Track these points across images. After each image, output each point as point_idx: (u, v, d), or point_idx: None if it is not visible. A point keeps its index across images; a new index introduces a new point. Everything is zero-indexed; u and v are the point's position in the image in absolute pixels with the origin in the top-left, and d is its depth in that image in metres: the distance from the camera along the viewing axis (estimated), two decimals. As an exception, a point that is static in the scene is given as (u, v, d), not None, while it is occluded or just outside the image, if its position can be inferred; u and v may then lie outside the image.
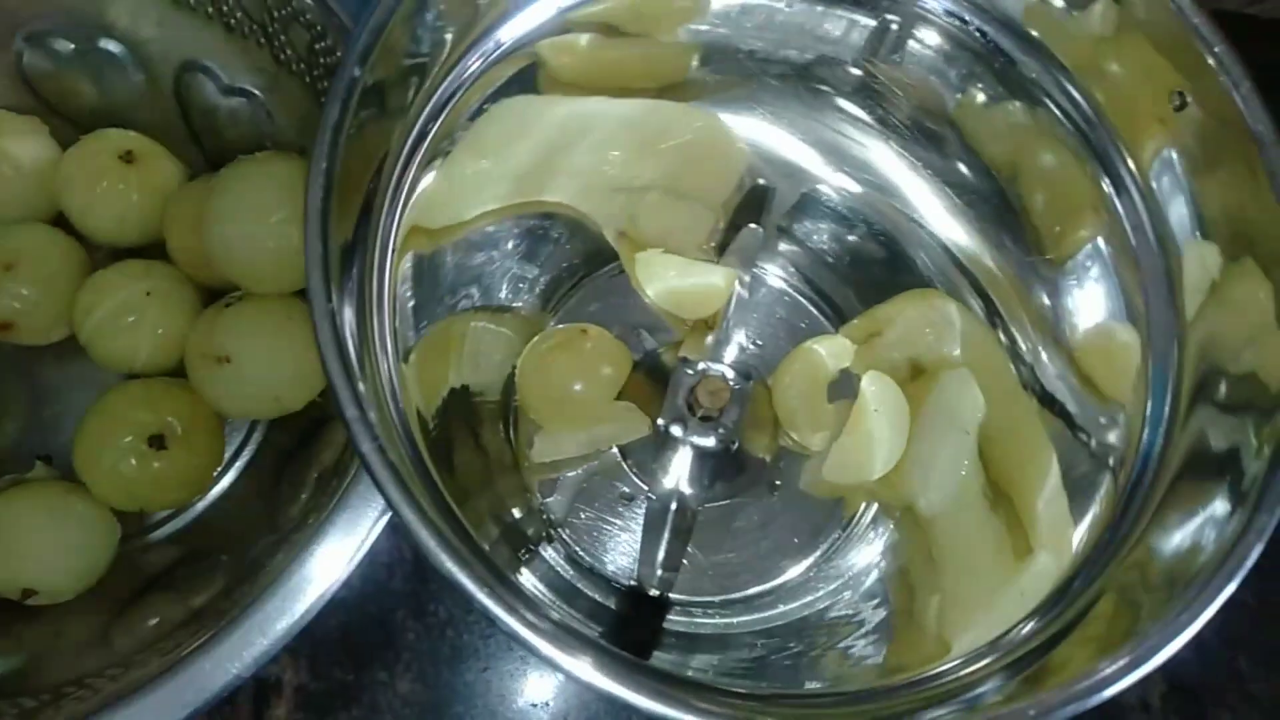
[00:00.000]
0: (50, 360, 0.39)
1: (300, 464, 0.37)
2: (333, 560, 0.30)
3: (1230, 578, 0.23)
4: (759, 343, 0.40)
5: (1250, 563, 0.23)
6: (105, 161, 0.37)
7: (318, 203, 0.21)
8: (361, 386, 0.21)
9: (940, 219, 0.36)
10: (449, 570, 0.20)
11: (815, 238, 0.40)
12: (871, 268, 0.39)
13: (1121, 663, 0.22)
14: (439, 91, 0.28)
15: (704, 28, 0.33)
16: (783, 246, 0.40)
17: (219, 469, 0.38)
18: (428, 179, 0.29)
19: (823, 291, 0.40)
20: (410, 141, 0.27)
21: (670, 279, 0.38)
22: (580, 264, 0.39)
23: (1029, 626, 0.28)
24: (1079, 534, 0.30)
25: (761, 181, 0.38)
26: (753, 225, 0.38)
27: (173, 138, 0.39)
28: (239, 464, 0.39)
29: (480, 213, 0.33)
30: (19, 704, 0.30)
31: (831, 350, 0.38)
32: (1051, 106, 0.31)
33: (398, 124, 0.27)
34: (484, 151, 0.31)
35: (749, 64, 0.34)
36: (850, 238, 0.39)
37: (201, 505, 0.38)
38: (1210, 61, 0.26)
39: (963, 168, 0.35)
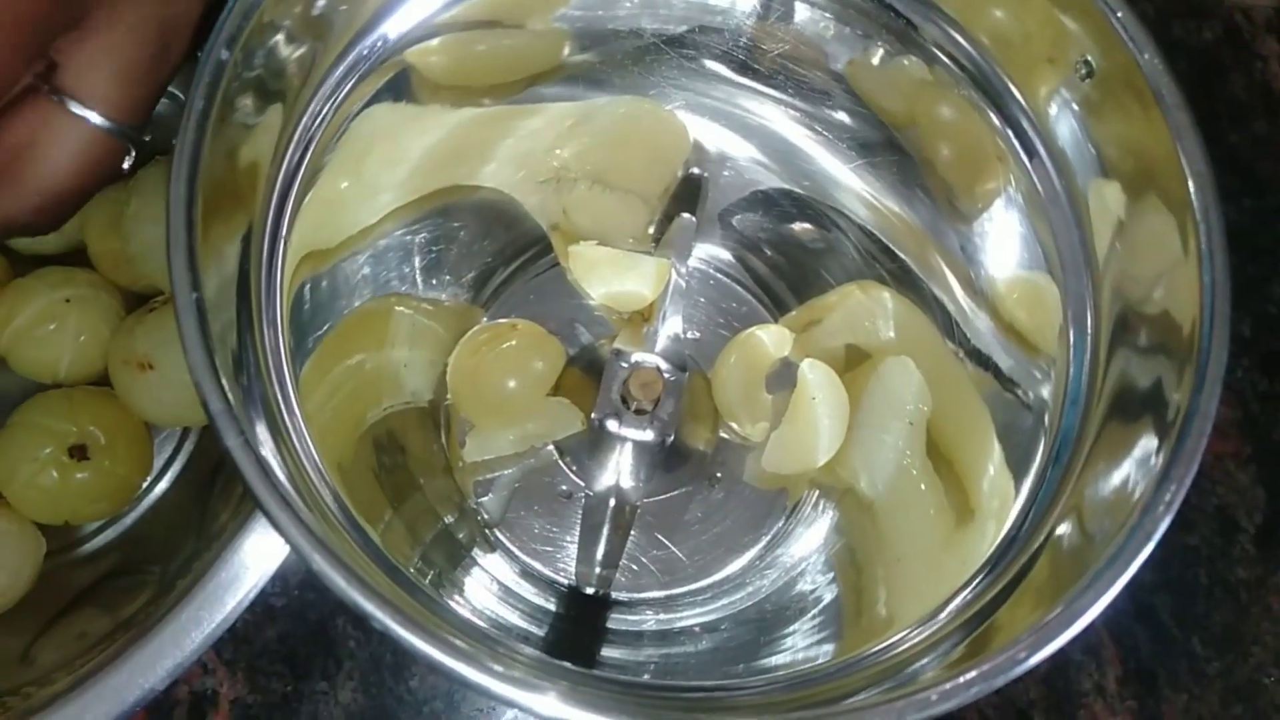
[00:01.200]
0: (-28, 373, 0.38)
1: (232, 471, 0.36)
2: (251, 568, 0.29)
3: (1148, 538, 0.22)
4: (696, 333, 0.39)
5: (1166, 524, 0.22)
6: (22, 167, 0.36)
7: (181, 190, 0.20)
8: (245, 390, 0.20)
9: (857, 185, 0.35)
10: (321, 569, 0.19)
11: (745, 223, 0.39)
12: (798, 251, 0.38)
13: (1030, 641, 0.21)
14: (312, 101, 0.27)
15: (577, 12, 0.32)
16: (719, 234, 0.39)
17: (149, 478, 0.37)
18: (313, 194, 0.28)
19: (759, 278, 0.39)
20: (292, 148, 0.26)
21: (604, 270, 0.37)
22: (508, 257, 0.38)
23: (964, 596, 0.27)
24: (1020, 498, 0.30)
25: (695, 170, 0.38)
26: (685, 215, 0.37)
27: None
28: (171, 472, 0.38)
29: (380, 217, 0.32)
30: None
31: (771, 339, 0.37)
32: (944, 58, 0.31)
33: (269, 124, 0.26)
34: (352, 165, 0.30)
35: (630, 42, 0.33)
36: (779, 222, 0.38)
37: (132, 516, 0.38)
38: (1111, 23, 0.25)
39: (868, 129, 0.34)
